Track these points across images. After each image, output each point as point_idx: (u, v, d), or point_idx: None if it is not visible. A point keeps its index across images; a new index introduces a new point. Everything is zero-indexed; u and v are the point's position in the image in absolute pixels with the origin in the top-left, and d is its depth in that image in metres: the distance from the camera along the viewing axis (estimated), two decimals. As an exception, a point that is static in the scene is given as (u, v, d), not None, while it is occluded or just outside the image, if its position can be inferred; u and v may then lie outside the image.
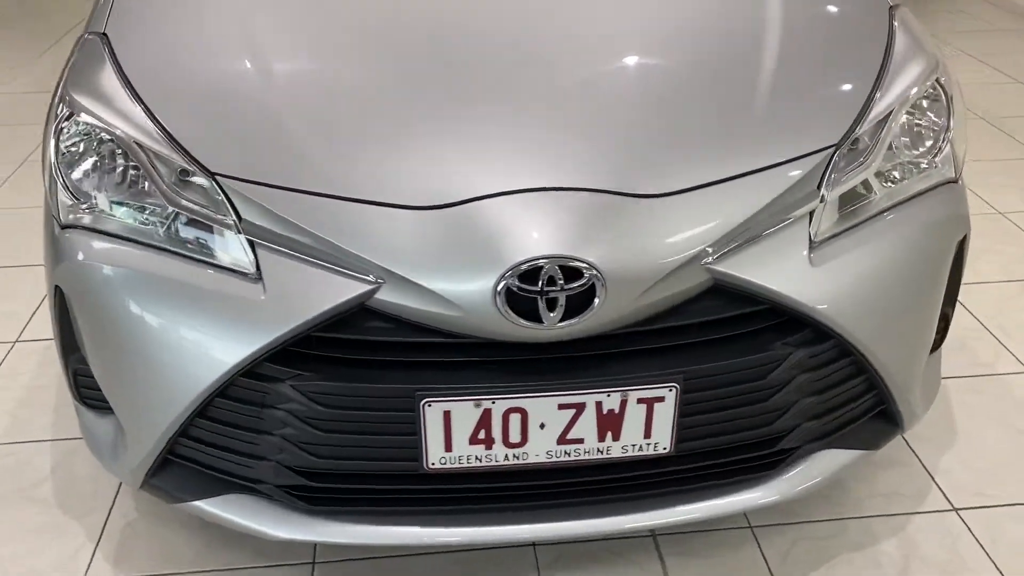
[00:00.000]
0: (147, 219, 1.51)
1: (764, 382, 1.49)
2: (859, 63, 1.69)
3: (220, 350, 1.42)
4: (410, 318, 1.40)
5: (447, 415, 1.42)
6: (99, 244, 1.52)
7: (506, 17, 1.77)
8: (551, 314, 1.36)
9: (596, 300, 1.37)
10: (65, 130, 1.56)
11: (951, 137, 1.70)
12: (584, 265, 1.35)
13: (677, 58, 1.70)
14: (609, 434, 1.47)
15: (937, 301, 1.69)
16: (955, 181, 1.70)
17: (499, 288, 1.34)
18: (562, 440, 1.46)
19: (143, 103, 1.55)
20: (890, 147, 1.63)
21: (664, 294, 1.42)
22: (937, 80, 1.71)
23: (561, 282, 1.35)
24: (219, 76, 1.64)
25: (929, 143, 1.68)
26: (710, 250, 1.42)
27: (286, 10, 1.77)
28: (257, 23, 1.73)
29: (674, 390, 1.44)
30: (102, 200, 1.52)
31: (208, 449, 1.54)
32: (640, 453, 1.50)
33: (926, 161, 1.67)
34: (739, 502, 1.60)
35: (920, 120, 1.69)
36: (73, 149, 1.55)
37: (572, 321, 1.37)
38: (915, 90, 1.66)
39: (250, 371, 1.43)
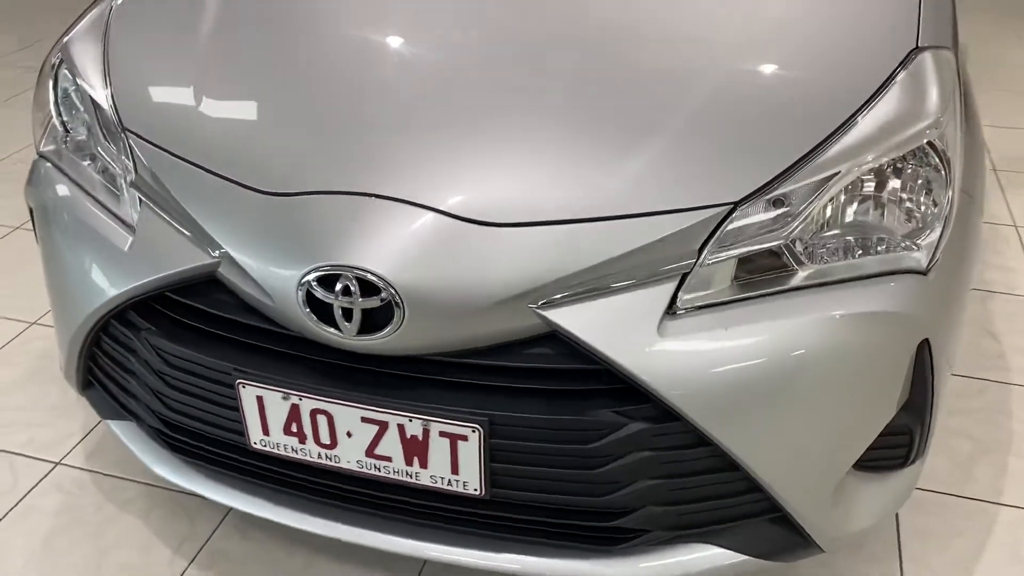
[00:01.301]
0: (85, 160, 1.65)
1: (589, 448, 1.33)
2: (820, 112, 1.41)
3: (94, 290, 1.53)
4: (241, 298, 1.42)
5: (260, 400, 1.43)
6: (50, 174, 1.69)
7: (415, 21, 1.67)
8: (347, 324, 1.32)
9: (393, 321, 1.30)
10: (54, 74, 1.75)
11: (941, 215, 1.38)
12: (380, 282, 1.28)
13: (595, 82, 1.50)
14: (416, 459, 1.40)
15: (873, 413, 1.39)
16: (923, 272, 1.37)
17: (301, 286, 1.32)
18: (370, 453, 1.42)
19: (107, 65, 1.69)
20: (835, 217, 1.36)
21: (483, 330, 1.31)
22: (929, 143, 1.39)
23: (356, 294, 1.29)
24: (171, 55, 1.71)
25: (901, 219, 1.38)
26: (540, 294, 1.29)
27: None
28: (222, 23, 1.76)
29: (478, 432, 1.33)
30: (59, 138, 1.70)
31: (107, 379, 1.68)
32: (450, 488, 1.41)
33: (897, 242, 1.37)
34: (573, 569, 1.45)
35: (899, 190, 1.38)
36: (53, 91, 1.74)
37: (371, 337, 1.32)
38: (888, 154, 1.36)
39: (121, 316, 1.54)
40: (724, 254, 1.32)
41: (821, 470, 1.39)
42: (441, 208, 1.32)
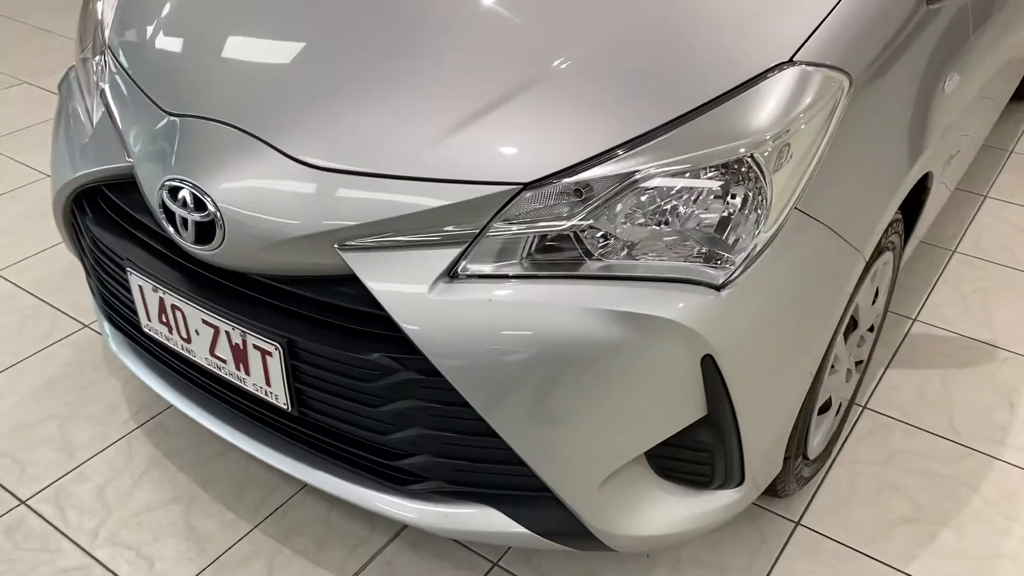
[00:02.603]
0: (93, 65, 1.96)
1: (368, 386, 1.44)
2: (645, 108, 1.38)
3: (58, 173, 1.83)
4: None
5: (141, 289, 1.66)
6: (68, 77, 2.02)
7: None
8: (185, 232, 1.51)
9: (216, 236, 1.47)
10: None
11: (750, 234, 1.34)
12: (207, 199, 1.46)
13: (448, 50, 1.55)
14: (242, 366, 1.57)
15: (649, 417, 1.38)
16: (716, 287, 1.33)
17: (159, 192, 1.52)
18: (212, 353, 1.61)
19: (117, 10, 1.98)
20: (634, 215, 1.35)
21: (293, 260, 1.45)
22: (751, 158, 1.33)
23: (191, 206, 1.48)
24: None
25: (704, 229, 1.34)
26: (343, 235, 1.40)
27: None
28: None
29: (279, 349, 1.48)
30: (82, 48, 2.02)
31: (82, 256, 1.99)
32: (266, 398, 1.57)
33: (693, 252, 1.34)
34: (359, 496, 1.57)
35: (706, 200, 1.35)
36: (84, 9, 2.06)
37: (203, 248, 1.50)
38: (701, 162, 1.33)
39: (78, 199, 1.82)
40: (509, 230, 1.36)
41: (584, 459, 1.40)
42: (274, 144, 1.47)
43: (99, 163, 1.72)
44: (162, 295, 1.62)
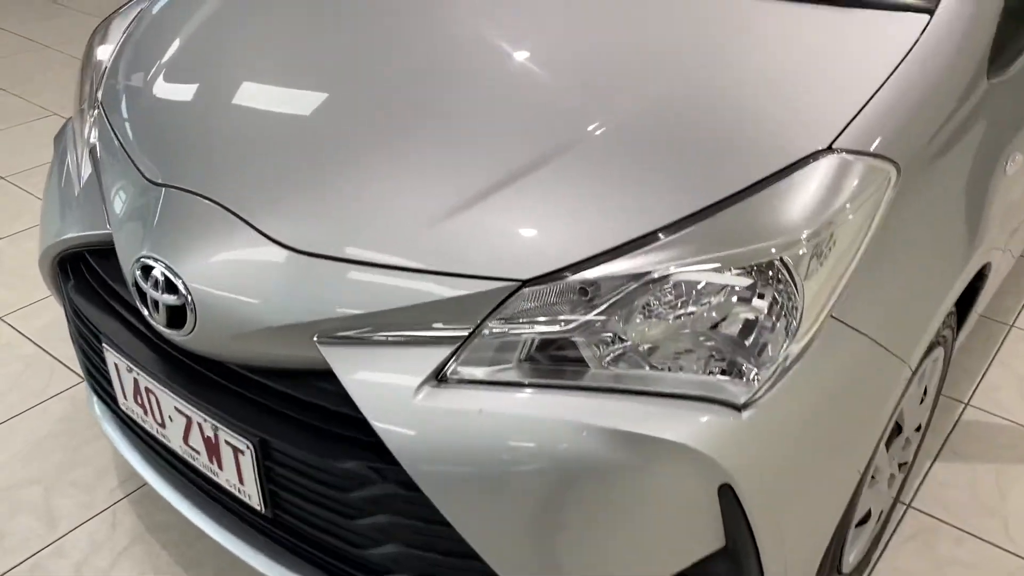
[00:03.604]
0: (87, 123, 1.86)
1: (346, 496, 1.29)
2: (662, 200, 1.23)
3: (45, 233, 1.72)
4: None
5: (116, 367, 1.54)
6: (64, 130, 1.93)
7: (304, 60, 1.63)
8: (156, 314, 1.38)
9: (187, 321, 1.34)
10: (89, 43, 1.98)
11: (777, 347, 1.17)
12: (179, 282, 1.33)
13: (447, 128, 1.41)
14: (215, 460, 1.44)
15: (653, 546, 1.22)
16: (736, 407, 1.16)
17: (133, 268, 1.40)
18: (185, 441, 1.48)
19: (117, 48, 1.88)
20: (645, 319, 1.19)
21: (269, 351, 1.32)
22: (781, 260, 1.17)
23: (162, 287, 1.35)
24: (150, 58, 1.79)
25: (724, 340, 1.18)
26: (323, 328, 1.27)
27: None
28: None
29: (250, 449, 1.35)
30: (80, 100, 1.92)
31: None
32: (239, 496, 1.44)
33: (710, 365, 1.18)
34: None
35: (727, 307, 1.19)
36: (86, 58, 1.97)
37: (176, 332, 1.37)
38: (726, 264, 1.17)
39: (62, 262, 1.72)
40: (505, 331, 1.21)
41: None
42: (253, 222, 1.34)
43: (82, 228, 1.62)
44: (136, 376, 1.50)
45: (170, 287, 1.35)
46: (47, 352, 2.46)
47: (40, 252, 1.74)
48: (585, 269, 1.20)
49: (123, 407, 1.60)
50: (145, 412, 1.54)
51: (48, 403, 2.29)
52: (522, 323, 1.21)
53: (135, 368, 1.49)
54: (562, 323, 1.20)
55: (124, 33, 1.91)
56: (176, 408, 1.45)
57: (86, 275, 1.65)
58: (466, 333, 1.22)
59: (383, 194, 1.32)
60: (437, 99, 1.45)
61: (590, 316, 1.19)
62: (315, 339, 1.28)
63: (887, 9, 1.42)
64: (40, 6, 5.22)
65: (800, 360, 1.19)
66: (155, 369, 1.45)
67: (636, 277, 1.19)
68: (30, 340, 2.51)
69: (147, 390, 1.49)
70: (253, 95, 1.56)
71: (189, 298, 1.33)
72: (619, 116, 1.35)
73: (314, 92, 1.52)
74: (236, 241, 1.34)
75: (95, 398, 1.83)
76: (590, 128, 1.34)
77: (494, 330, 1.21)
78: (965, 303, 1.77)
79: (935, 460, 2.12)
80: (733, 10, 1.47)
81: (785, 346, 1.18)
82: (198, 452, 1.46)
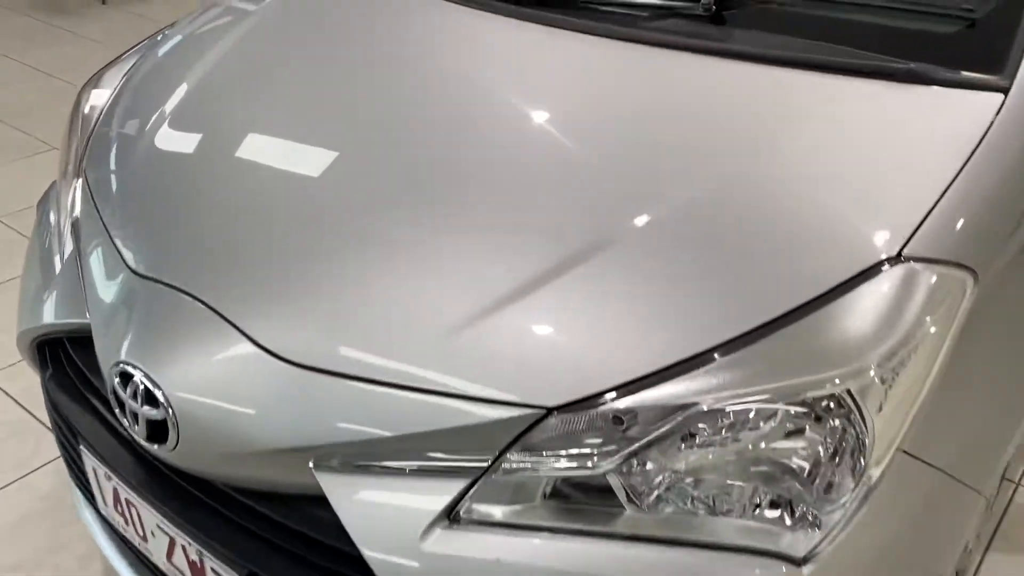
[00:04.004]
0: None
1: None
2: (708, 318, 1.07)
3: (23, 315, 1.57)
4: None
5: (95, 471, 1.40)
6: (46, 198, 1.79)
7: (306, 154, 1.43)
8: (136, 426, 1.23)
9: (169, 438, 1.19)
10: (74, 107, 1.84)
11: (842, 490, 1.01)
12: (160, 394, 1.18)
13: (468, 226, 1.24)
14: (201, 584, 1.29)
15: None
16: (795, 562, 1.01)
17: (112, 372, 1.26)
18: (168, 559, 1.33)
19: (101, 112, 1.73)
20: (687, 455, 1.04)
21: (258, 473, 1.17)
22: (848, 393, 1.01)
23: (141, 398, 1.21)
24: (138, 129, 1.62)
25: (780, 482, 1.03)
26: (320, 452, 1.12)
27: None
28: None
29: (239, 582, 1.20)
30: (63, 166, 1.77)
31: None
32: (229, 628, 1.29)
33: (762, 513, 1.03)
34: None
35: (782, 443, 1.03)
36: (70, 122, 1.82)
37: (157, 446, 1.22)
38: (778, 396, 1.02)
39: (40, 347, 1.57)
40: (528, 464, 1.06)
41: None
42: (243, 327, 1.18)
43: (60, 314, 1.47)
44: (115, 486, 1.35)
45: (150, 398, 1.20)
46: (34, 416, 2.32)
47: (17, 333, 1.59)
48: (622, 396, 1.04)
49: (103, 513, 1.45)
50: (126, 523, 1.39)
51: (32, 476, 2.14)
52: (547, 456, 1.06)
53: (114, 477, 1.34)
54: (594, 458, 1.05)
55: (113, 92, 1.77)
56: (159, 525, 1.30)
57: (65, 365, 1.50)
58: (484, 465, 1.07)
59: (392, 298, 1.17)
60: (455, 187, 1.29)
61: (624, 450, 1.04)
62: (311, 465, 1.13)
63: (954, 87, 1.27)
64: (44, 31, 5.11)
65: (867, 504, 1.03)
66: (136, 481, 1.31)
67: (681, 408, 1.03)
68: (16, 402, 2.37)
69: (127, 501, 1.34)
70: (250, 177, 1.41)
71: (171, 412, 1.18)
72: (663, 211, 1.19)
73: (317, 177, 1.36)
74: (223, 348, 1.19)
75: (79, 494, 1.68)
76: (630, 225, 1.18)
77: (515, 464, 1.06)
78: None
79: (987, 549, 1.95)
80: (787, 90, 1.32)
81: (850, 490, 1.02)
82: (182, 573, 1.32)
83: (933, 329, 1.07)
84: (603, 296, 1.12)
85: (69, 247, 1.55)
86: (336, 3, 1.79)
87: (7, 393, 2.40)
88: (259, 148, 1.44)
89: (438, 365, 1.10)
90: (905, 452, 1.06)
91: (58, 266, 1.55)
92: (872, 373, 1.02)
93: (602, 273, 1.13)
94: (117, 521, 1.42)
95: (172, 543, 1.29)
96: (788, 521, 1.02)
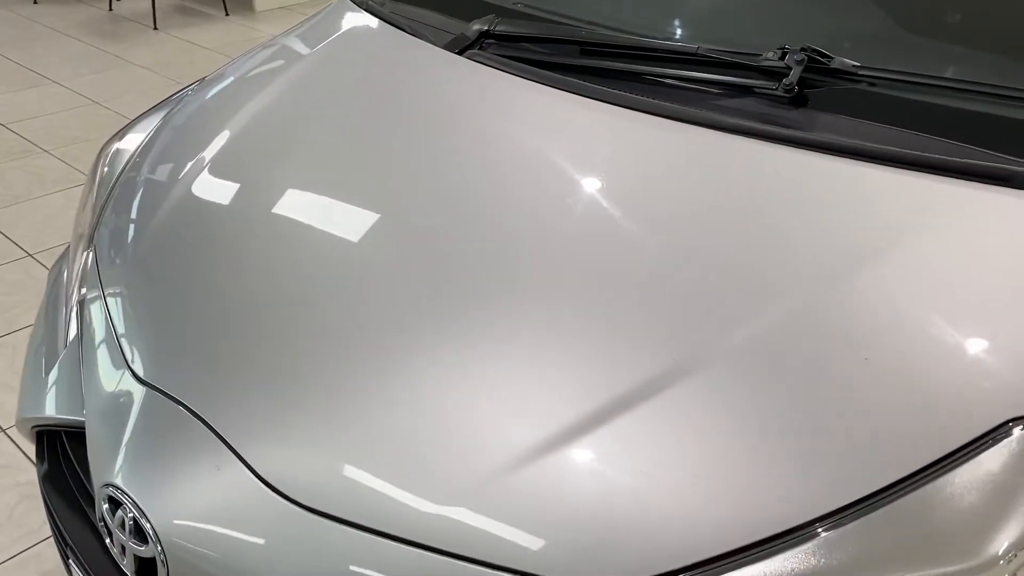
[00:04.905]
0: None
1: None
2: (800, 480, 0.89)
3: (22, 398, 1.45)
4: None
5: (83, 588, 1.25)
6: (59, 263, 1.66)
7: (332, 265, 1.24)
8: (125, 558, 1.09)
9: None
10: (93, 169, 1.72)
11: None
12: (149, 528, 1.03)
13: (524, 353, 1.06)
14: None
15: None
16: None
17: (99, 495, 1.11)
18: None
19: (118, 180, 1.60)
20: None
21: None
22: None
23: (130, 531, 1.06)
24: (151, 210, 1.46)
25: None
26: None
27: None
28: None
29: None
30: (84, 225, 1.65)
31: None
32: None
33: None
34: None
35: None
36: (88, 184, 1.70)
37: (145, 585, 1.08)
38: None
39: (40, 436, 1.44)
40: None
41: None
42: (243, 454, 1.03)
43: (59, 408, 1.34)
44: (104, 609, 1.21)
45: (139, 531, 1.05)
46: (48, 479, 2.20)
47: (16, 417, 1.47)
48: None
49: (93, 632, 1.31)
50: (115, 645, 1.25)
51: (41, 547, 2.02)
52: None
53: (99, 602, 1.20)
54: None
55: (133, 153, 1.64)
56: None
57: (62, 463, 1.37)
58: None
59: (418, 434, 1.01)
60: (506, 297, 1.12)
61: None
62: None
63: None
64: (95, 57, 5.09)
65: None
66: (124, 610, 1.16)
67: None
68: (32, 459, 2.25)
69: (113, 627, 1.20)
70: (274, 275, 1.24)
71: (160, 549, 1.03)
72: (746, 339, 1.01)
73: (347, 279, 1.20)
74: (221, 478, 1.04)
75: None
76: (707, 354, 1.00)
77: None
78: None
79: None
80: (888, 192, 1.12)
81: None
82: None
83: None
84: (673, 444, 0.94)
85: (73, 330, 1.42)
86: (363, 81, 1.61)
87: (23, 450, 2.29)
88: (285, 242, 1.28)
89: (464, 522, 0.93)
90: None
91: (60, 348, 1.42)
92: (1001, 567, 0.83)
93: (672, 414, 0.96)
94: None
95: None
96: None
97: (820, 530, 0.86)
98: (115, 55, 5.15)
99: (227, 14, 5.78)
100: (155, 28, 5.53)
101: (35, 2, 6.02)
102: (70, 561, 1.27)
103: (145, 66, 4.97)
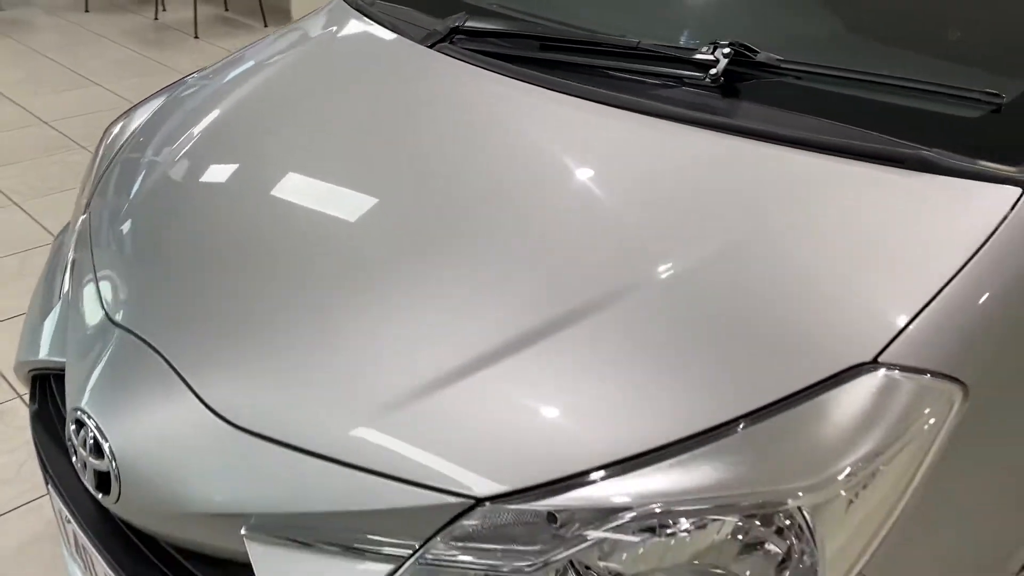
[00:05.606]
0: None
1: None
2: (659, 417, 1.00)
3: (25, 342, 1.60)
4: None
5: (60, 513, 1.39)
6: (63, 234, 1.82)
7: (287, 218, 1.39)
8: (86, 474, 1.22)
9: (112, 490, 1.18)
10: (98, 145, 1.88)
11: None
12: (107, 446, 1.17)
13: (433, 297, 1.19)
14: (143, 641, 1.26)
15: None
16: None
17: (69, 419, 1.25)
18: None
19: (117, 151, 1.76)
20: (630, 558, 0.96)
21: (194, 535, 1.15)
22: (800, 510, 0.92)
23: (89, 448, 1.19)
24: (140, 178, 1.62)
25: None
26: (251, 520, 1.08)
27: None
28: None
29: (173, 647, 1.16)
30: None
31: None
32: None
33: None
34: None
35: (725, 558, 0.94)
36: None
37: (103, 496, 1.21)
38: (718, 507, 0.93)
39: (34, 380, 1.58)
40: (454, 556, 1.00)
41: None
42: (192, 384, 1.16)
43: (49, 351, 1.48)
44: (75, 530, 1.34)
45: (98, 448, 1.19)
46: (57, 440, 2.36)
47: (14, 363, 1.62)
48: (558, 493, 0.98)
49: (67, 556, 1.45)
50: (84, 567, 1.38)
51: (44, 500, 2.17)
52: (473, 549, 0.99)
53: (73, 522, 1.33)
54: (521, 557, 0.98)
55: (133, 131, 1.80)
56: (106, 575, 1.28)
57: (48, 402, 1.51)
58: (408, 553, 1.01)
59: (344, 368, 1.13)
60: (431, 246, 1.25)
61: (556, 552, 0.97)
62: (243, 532, 1.09)
63: (967, 177, 1.16)
64: (138, 63, 5.33)
65: (815, 636, 0.93)
66: (92, 528, 1.29)
67: (614, 509, 0.96)
68: (44, 425, 2.41)
69: (84, 547, 1.33)
70: (238, 236, 1.38)
71: (114, 465, 1.17)
72: (624, 283, 1.13)
73: (300, 242, 1.33)
74: (171, 403, 1.17)
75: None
76: (590, 298, 1.12)
77: (440, 554, 1.00)
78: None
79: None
80: (786, 169, 1.23)
81: None
82: (129, 626, 1.29)
83: (908, 446, 0.97)
84: (556, 377, 1.06)
85: (68, 285, 1.57)
86: (349, 61, 1.78)
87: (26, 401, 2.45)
88: (253, 207, 1.42)
89: (375, 442, 1.05)
90: (868, 580, 0.96)
91: (55, 301, 1.57)
92: (830, 490, 0.93)
93: (553, 355, 1.07)
94: (79, 564, 1.41)
95: (120, 596, 1.27)
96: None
97: (666, 456, 0.97)
98: (157, 61, 5.39)
99: (266, 25, 6.01)
100: (196, 37, 5.78)
101: (86, 11, 6.32)
102: (50, 487, 1.41)
103: (184, 72, 5.19)
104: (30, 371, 1.57)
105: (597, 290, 1.13)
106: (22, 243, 3.33)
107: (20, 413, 2.45)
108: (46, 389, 1.54)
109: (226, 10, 6.40)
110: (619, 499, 0.96)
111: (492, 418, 1.04)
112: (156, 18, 6.21)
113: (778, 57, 1.36)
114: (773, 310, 1.07)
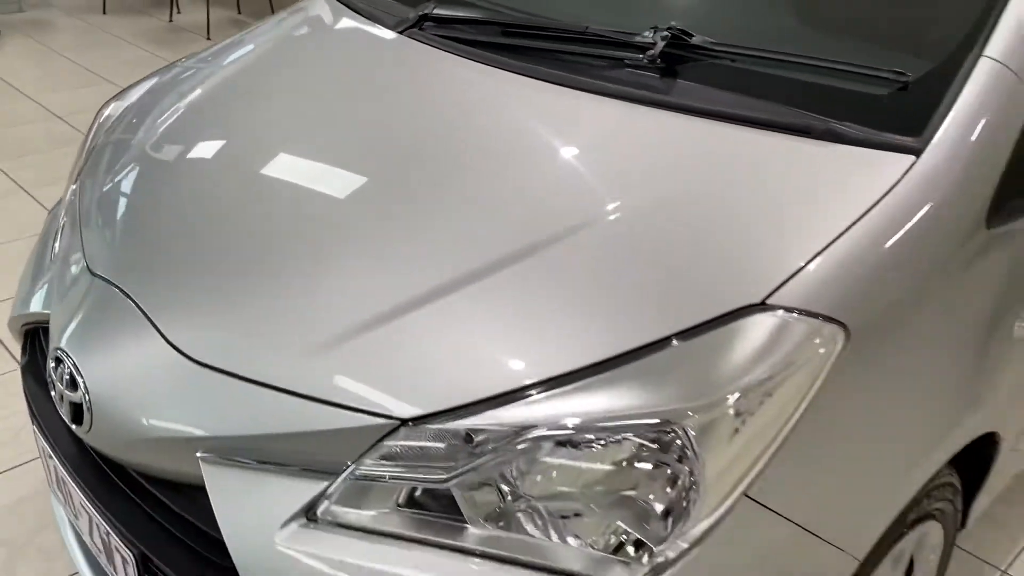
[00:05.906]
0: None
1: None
2: (562, 347, 1.11)
3: (19, 298, 1.72)
4: None
5: (44, 451, 1.51)
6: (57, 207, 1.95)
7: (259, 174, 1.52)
8: (62, 407, 1.34)
9: (84, 420, 1.30)
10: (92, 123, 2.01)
11: (671, 530, 1.02)
12: (81, 381, 1.29)
13: (367, 247, 1.32)
14: (111, 566, 1.38)
15: None
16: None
17: (50, 359, 1.38)
18: (91, 536, 1.43)
19: (108, 126, 1.89)
20: (531, 476, 1.07)
21: (157, 460, 1.27)
22: (682, 430, 1.03)
23: (66, 381, 1.32)
24: (124, 148, 1.75)
25: (620, 513, 1.04)
26: (208, 445, 1.20)
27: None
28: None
29: (131, 561, 1.28)
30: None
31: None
32: (133, 605, 1.37)
33: (599, 542, 1.04)
34: None
35: (620, 476, 1.05)
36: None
37: (77, 427, 1.33)
38: (613, 427, 1.04)
39: (28, 333, 1.71)
40: (382, 472, 1.11)
41: None
42: (157, 322, 1.29)
43: (40, 304, 1.61)
44: (55, 464, 1.46)
45: (73, 382, 1.31)
46: (55, 408, 2.49)
47: (8, 319, 1.75)
48: (472, 414, 1.09)
49: (51, 492, 1.57)
50: (64, 500, 1.50)
51: (38, 462, 2.29)
52: (396, 466, 1.11)
53: (54, 457, 1.45)
54: (439, 470, 1.09)
55: (125, 108, 1.94)
56: (82, 504, 1.40)
57: (38, 354, 1.64)
58: (341, 469, 1.13)
59: (293, 309, 1.25)
60: (384, 202, 1.38)
61: (470, 466, 1.08)
62: (199, 455, 1.21)
63: (867, 146, 1.27)
64: (149, 63, 5.50)
65: (700, 545, 1.03)
66: (70, 461, 1.41)
67: (525, 429, 1.07)
68: (43, 394, 2.55)
69: (62, 480, 1.45)
70: (209, 196, 1.51)
71: (87, 398, 1.29)
72: (552, 233, 1.25)
73: (263, 201, 1.46)
74: (140, 342, 1.29)
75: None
76: (520, 246, 1.24)
77: (369, 469, 1.11)
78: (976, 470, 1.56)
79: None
80: (707, 139, 1.35)
81: (682, 526, 1.03)
82: (100, 551, 1.41)
83: (790, 380, 1.08)
84: (479, 315, 1.18)
85: (58, 247, 1.70)
86: (325, 46, 1.91)
87: (36, 384, 2.58)
88: (221, 174, 1.56)
89: (314, 372, 1.17)
90: (752, 499, 1.06)
91: (47, 260, 1.70)
92: (715, 411, 1.04)
93: (475, 297, 1.19)
94: (60, 500, 1.53)
95: (91, 522, 1.39)
96: (623, 553, 1.04)
97: (570, 381, 1.08)
98: (168, 60, 5.55)
99: (276, 28, 6.18)
100: (208, 38, 5.95)
101: (104, 13, 6.51)
102: (35, 427, 1.53)
103: (194, 71, 5.36)
104: (23, 325, 1.69)
105: (527, 239, 1.24)
106: (32, 228, 3.48)
107: (19, 382, 2.57)
108: (35, 343, 1.67)
109: (239, 13, 6.58)
110: (529, 419, 1.07)
111: (422, 351, 1.16)
112: (171, 20, 6.38)
113: (711, 40, 1.47)
114: (683, 257, 1.19)
